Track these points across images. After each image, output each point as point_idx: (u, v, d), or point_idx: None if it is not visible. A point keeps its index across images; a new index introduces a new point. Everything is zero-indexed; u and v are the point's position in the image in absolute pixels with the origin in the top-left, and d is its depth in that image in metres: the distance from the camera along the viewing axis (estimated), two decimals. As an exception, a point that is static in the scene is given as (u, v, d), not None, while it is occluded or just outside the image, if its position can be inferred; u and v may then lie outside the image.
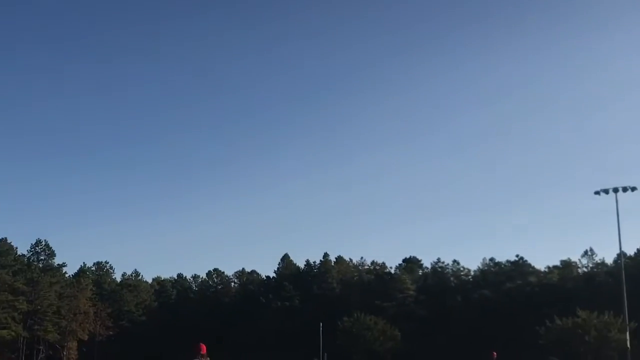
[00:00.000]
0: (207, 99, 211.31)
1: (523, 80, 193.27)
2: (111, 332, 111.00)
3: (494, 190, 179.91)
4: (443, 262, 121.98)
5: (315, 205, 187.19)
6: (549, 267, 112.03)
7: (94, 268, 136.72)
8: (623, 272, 65.66)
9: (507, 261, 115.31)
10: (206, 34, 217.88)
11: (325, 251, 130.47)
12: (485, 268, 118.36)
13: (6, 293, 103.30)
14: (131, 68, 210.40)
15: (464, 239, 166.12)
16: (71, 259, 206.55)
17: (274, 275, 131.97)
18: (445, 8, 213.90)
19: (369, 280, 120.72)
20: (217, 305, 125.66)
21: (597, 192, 65.60)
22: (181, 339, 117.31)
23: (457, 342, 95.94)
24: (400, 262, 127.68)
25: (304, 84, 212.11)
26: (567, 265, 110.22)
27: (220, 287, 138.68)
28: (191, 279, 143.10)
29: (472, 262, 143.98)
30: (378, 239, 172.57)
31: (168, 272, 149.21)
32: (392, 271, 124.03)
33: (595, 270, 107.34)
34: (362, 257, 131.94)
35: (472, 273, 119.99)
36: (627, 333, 65.59)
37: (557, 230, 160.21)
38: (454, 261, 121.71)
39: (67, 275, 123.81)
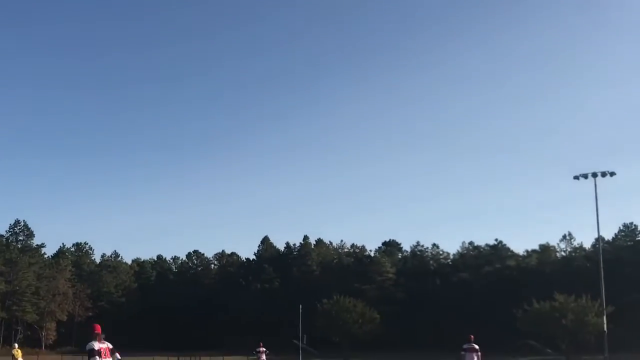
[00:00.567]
0: (185, 77, 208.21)
1: (502, 65, 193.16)
2: (90, 313, 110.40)
3: (473, 175, 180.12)
4: (422, 246, 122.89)
5: (295, 188, 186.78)
6: (527, 251, 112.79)
7: (73, 249, 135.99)
8: (601, 256, 66.09)
9: (486, 245, 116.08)
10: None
11: (305, 234, 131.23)
12: (465, 252, 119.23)
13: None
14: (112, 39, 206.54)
15: (443, 223, 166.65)
16: (50, 239, 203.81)
17: (254, 257, 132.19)
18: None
19: (348, 263, 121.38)
20: (196, 287, 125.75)
21: (576, 177, 65.72)
22: (159, 321, 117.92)
23: (436, 325, 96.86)
24: (380, 245, 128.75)
25: (286, 64, 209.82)
26: (545, 249, 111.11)
27: (200, 268, 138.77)
28: (171, 261, 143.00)
29: (451, 246, 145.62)
30: (358, 223, 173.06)
31: (148, 254, 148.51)
32: (372, 254, 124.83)
33: (573, 254, 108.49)
34: (342, 240, 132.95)
35: (451, 256, 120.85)
36: (604, 317, 66.14)
37: (536, 215, 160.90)
38: (434, 245, 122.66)
39: (46, 256, 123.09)
